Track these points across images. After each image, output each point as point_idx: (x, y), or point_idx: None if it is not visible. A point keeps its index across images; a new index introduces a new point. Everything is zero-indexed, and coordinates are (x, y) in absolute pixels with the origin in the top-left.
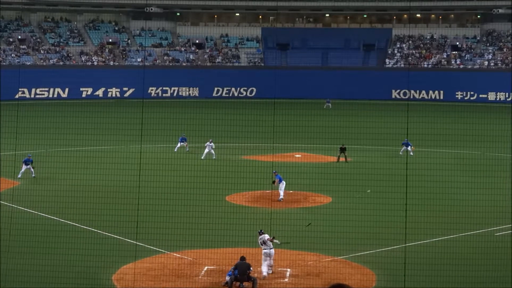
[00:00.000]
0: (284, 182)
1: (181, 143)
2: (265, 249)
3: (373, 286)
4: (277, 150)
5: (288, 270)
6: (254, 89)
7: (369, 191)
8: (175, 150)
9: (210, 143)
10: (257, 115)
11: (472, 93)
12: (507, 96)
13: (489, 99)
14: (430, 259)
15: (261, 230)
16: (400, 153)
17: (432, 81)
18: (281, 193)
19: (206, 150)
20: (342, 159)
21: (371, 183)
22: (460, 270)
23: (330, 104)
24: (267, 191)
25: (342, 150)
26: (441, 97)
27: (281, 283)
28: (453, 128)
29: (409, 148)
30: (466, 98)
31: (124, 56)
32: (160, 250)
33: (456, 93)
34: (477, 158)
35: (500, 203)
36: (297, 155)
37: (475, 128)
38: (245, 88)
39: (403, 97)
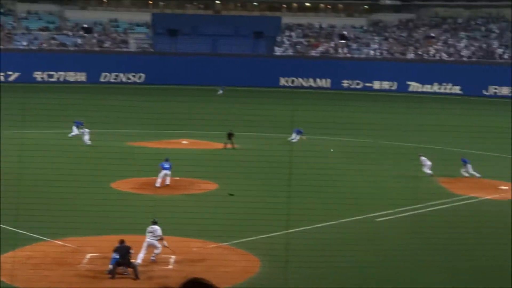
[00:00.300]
0: (168, 172)
1: (77, 130)
2: (150, 238)
3: (256, 271)
4: (164, 136)
5: (172, 257)
6: (143, 75)
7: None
8: (70, 135)
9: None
10: (145, 101)
11: (358, 81)
12: (391, 85)
13: (374, 87)
14: (312, 245)
15: (154, 220)
16: (293, 140)
17: (320, 70)
18: (159, 180)
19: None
20: (229, 145)
21: (257, 170)
22: (341, 256)
23: (222, 91)
24: (153, 177)
25: (230, 136)
26: (328, 85)
27: (165, 270)
28: (342, 116)
29: (296, 136)
30: (352, 86)
31: (9, 39)
32: (41, 238)
33: (343, 81)
34: (367, 146)
35: (383, 190)
36: (184, 142)
37: (363, 116)
38: (134, 74)
39: (291, 85)
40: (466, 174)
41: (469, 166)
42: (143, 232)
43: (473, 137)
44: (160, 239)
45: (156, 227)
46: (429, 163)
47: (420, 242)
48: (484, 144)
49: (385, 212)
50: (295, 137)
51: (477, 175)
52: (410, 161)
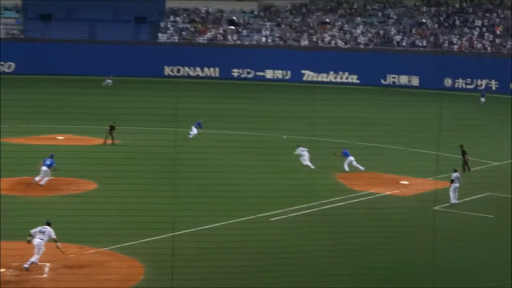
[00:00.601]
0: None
1: None
2: (40, 238)
3: (140, 278)
4: (36, 132)
5: (47, 264)
6: (13, 64)
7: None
8: None
9: None
10: (14, 93)
11: (249, 70)
12: (284, 74)
13: (267, 77)
14: (200, 248)
15: (48, 221)
16: (192, 134)
17: (208, 58)
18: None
19: None
20: (109, 141)
21: (141, 167)
22: (232, 260)
23: (111, 81)
24: (26, 177)
25: (111, 129)
26: (217, 75)
27: (39, 280)
28: (232, 109)
29: (194, 130)
30: (242, 75)
31: None
32: None
33: (233, 70)
34: (260, 140)
35: (278, 187)
36: (59, 137)
37: (255, 108)
38: (2, 63)
39: (177, 74)
40: (347, 168)
41: (351, 159)
42: (14, 238)
43: (373, 130)
44: (57, 245)
45: (49, 228)
46: (307, 154)
47: (316, 243)
48: (385, 137)
49: (280, 211)
50: (193, 132)
51: (361, 168)
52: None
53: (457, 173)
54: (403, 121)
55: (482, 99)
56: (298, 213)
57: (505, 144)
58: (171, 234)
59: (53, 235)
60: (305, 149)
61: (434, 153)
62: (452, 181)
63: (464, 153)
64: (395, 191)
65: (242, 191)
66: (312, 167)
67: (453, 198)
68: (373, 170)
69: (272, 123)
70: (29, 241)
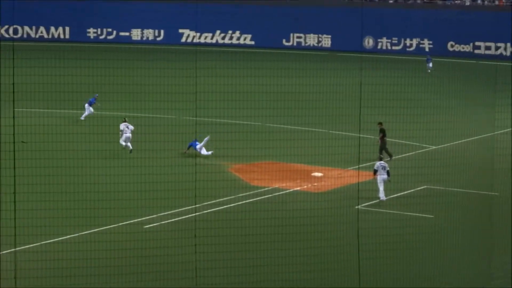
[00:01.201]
0: None
1: None
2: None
3: None
4: None
5: None
6: None
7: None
8: None
9: None
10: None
11: (109, 30)
12: (157, 34)
13: (133, 38)
14: (45, 268)
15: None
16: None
17: (54, 14)
18: None
19: None
20: None
21: None
22: (91, 275)
23: None
24: None
25: None
26: (67, 36)
27: None
28: (95, 83)
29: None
30: (102, 37)
31: None
32: None
33: (88, 30)
34: (137, 124)
35: (153, 185)
36: None
37: (123, 81)
38: None
39: (13, 36)
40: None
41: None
42: None
43: (274, 108)
44: None
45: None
46: (128, 134)
47: (204, 258)
48: (290, 117)
49: (154, 216)
50: (87, 112)
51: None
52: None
53: (382, 162)
54: (312, 95)
55: (430, 65)
56: (179, 218)
57: (448, 124)
58: (12, 250)
59: None
60: (129, 126)
61: (354, 135)
62: (375, 172)
63: (383, 133)
64: (305, 186)
65: (104, 191)
66: (128, 146)
67: (382, 193)
68: (276, 160)
69: (144, 100)
70: None
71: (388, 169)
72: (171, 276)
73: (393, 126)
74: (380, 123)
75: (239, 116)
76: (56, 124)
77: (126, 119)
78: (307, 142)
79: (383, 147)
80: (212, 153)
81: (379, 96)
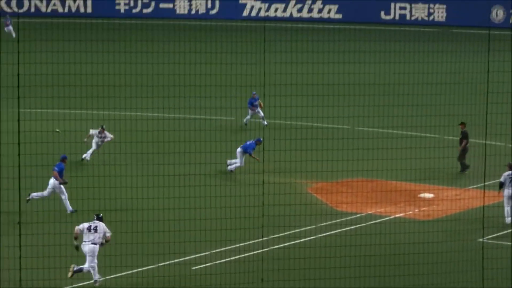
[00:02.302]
0: None
1: None
2: (89, 242)
3: None
4: None
5: None
6: None
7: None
8: None
9: None
10: None
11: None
12: (209, 6)
13: (178, 12)
14: None
15: (99, 215)
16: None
17: None
18: None
19: None
20: None
21: None
22: None
23: None
24: None
25: None
26: (90, 10)
27: None
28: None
29: None
30: (133, 10)
31: None
32: None
33: (118, 1)
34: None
35: (204, 212)
36: None
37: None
38: None
39: None
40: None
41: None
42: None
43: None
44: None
45: (101, 223)
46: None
47: None
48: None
49: (207, 253)
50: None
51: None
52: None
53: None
54: (421, 87)
55: None
56: (240, 255)
57: None
58: None
59: (108, 234)
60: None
61: (479, 141)
62: (501, 186)
63: (464, 137)
64: (410, 212)
65: (136, 220)
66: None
67: (508, 215)
68: (370, 176)
69: (190, 96)
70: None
71: None
72: None
73: None
74: (463, 124)
75: (320, 117)
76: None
77: (104, 126)
78: (413, 152)
79: (462, 155)
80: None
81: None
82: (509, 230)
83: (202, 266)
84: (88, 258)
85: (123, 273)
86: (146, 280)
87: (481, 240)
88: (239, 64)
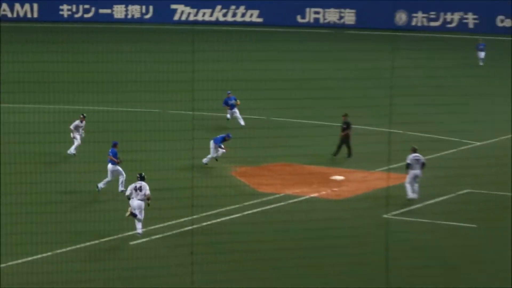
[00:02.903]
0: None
1: None
2: (136, 199)
3: None
4: None
5: None
6: None
7: None
8: None
9: None
10: None
11: (86, 7)
12: (144, 11)
13: (116, 16)
14: None
15: (142, 174)
16: None
17: None
18: None
19: None
20: None
21: None
22: None
23: None
24: None
25: None
26: (35, 15)
27: None
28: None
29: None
30: (76, 15)
31: None
32: None
33: (61, 7)
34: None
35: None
36: None
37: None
38: None
39: None
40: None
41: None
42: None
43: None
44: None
45: (143, 183)
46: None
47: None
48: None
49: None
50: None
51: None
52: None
53: (417, 154)
54: (332, 82)
55: (481, 55)
56: (172, 231)
57: (496, 115)
58: None
59: (148, 192)
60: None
61: (383, 130)
62: (408, 167)
63: (347, 126)
64: (323, 192)
65: (80, 202)
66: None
67: (410, 192)
68: (288, 161)
69: (127, 91)
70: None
71: (424, 160)
72: None
73: (430, 118)
74: (345, 115)
75: (243, 109)
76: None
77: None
78: (325, 140)
79: (344, 142)
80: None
81: (413, 82)
82: (411, 207)
83: (139, 241)
84: (137, 211)
85: (63, 249)
86: (91, 255)
87: (385, 216)
88: (171, 62)
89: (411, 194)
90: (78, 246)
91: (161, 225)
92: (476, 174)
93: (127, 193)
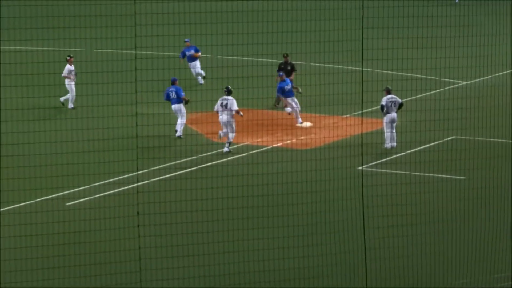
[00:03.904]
0: None
1: None
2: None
3: None
4: None
5: None
6: None
7: None
8: None
9: None
10: None
11: None
12: None
13: None
14: None
15: (228, 87)
16: None
17: None
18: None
19: None
20: None
21: None
22: None
23: None
24: None
25: None
26: None
27: None
28: None
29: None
30: None
31: None
32: None
33: None
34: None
35: (78, 146)
36: None
37: None
38: None
39: None
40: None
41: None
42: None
43: None
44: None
45: (230, 98)
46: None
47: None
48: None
49: (81, 188)
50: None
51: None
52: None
53: (392, 96)
54: (293, 14)
55: None
56: (115, 190)
57: (485, 49)
58: None
59: (235, 107)
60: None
61: (355, 69)
62: (382, 109)
63: (292, 68)
64: (288, 141)
65: (11, 155)
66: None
67: (388, 140)
68: (245, 106)
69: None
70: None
71: (402, 101)
72: (105, 271)
73: (407, 54)
74: (286, 55)
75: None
76: None
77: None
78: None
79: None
80: None
81: (386, 13)
82: (389, 158)
83: (76, 201)
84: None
85: None
86: (23, 217)
87: (360, 168)
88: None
89: (389, 142)
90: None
91: (101, 182)
92: (463, 118)
93: (215, 109)
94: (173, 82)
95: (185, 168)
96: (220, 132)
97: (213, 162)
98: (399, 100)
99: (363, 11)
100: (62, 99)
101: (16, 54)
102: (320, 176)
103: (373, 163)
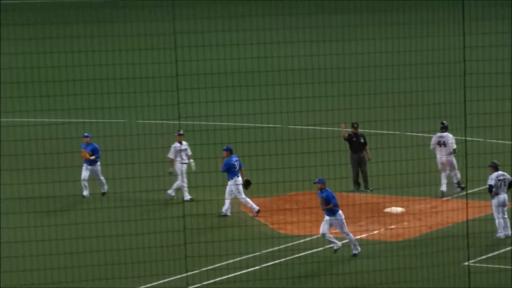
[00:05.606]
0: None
1: None
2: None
3: None
4: None
5: None
6: None
7: None
8: None
9: None
10: None
11: None
12: None
13: None
14: None
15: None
16: None
17: None
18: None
19: None
20: None
21: None
22: None
23: None
24: None
25: None
26: None
27: None
28: None
29: None
30: None
31: None
32: None
33: None
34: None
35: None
36: None
37: None
38: None
39: None
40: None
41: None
42: None
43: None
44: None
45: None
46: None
47: None
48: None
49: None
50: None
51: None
52: None
53: (502, 172)
54: (368, 71)
55: None
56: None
57: None
58: None
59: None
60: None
61: (456, 138)
62: (491, 190)
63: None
64: (375, 232)
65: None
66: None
67: (501, 228)
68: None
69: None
70: None
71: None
72: None
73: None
74: (356, 126)
75: (242, 114)
76: None
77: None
78: (373, 154)
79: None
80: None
81: (489, 67)
82: (503, 250)
83: None
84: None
85: None
86: None
87: (466, 264)
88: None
89: (502, 231)
90: None
91: (150, 284)
92: None
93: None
94: (231, 151)
95: (242, 269)
96: (169, 191)
97: (280, 260)
98: (509, 177)
99: (464, 64)
100: (170, 191)
101: None
102: (416, 276)
103: (483, 257)
